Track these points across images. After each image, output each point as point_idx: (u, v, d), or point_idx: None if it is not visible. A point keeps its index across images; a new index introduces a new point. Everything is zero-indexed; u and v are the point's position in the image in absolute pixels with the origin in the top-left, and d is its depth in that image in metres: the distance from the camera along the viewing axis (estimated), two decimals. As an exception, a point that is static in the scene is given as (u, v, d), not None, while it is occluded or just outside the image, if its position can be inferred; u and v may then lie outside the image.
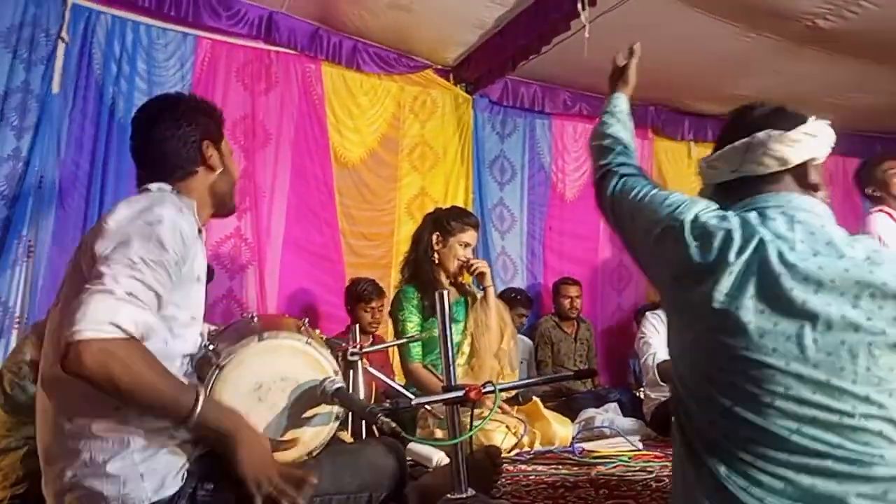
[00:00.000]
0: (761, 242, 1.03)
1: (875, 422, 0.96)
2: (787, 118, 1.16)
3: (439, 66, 4.03)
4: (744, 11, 3.44)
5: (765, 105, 1.21)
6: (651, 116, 4.65)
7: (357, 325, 3.30)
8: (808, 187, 1.15)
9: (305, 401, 1.27)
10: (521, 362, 3.93)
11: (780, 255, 1.02)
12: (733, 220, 1.08)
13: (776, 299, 1.00)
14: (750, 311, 1.00)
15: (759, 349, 0.99)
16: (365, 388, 2.15)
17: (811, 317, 0.98)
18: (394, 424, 1.22)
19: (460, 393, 1.36)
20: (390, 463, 1.34)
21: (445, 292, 1.45)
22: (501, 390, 1.38)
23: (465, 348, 2.52)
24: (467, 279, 2.66)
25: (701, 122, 4.81)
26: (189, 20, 3.26)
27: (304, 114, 3.62)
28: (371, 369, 2.19)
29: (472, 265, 2.54)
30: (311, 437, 1.27)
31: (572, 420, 2.68)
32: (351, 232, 3.72)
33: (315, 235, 3.63)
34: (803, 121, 1.16)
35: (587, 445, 2.31)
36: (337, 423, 1.34)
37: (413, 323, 2.53)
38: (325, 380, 1.29)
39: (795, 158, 1.13)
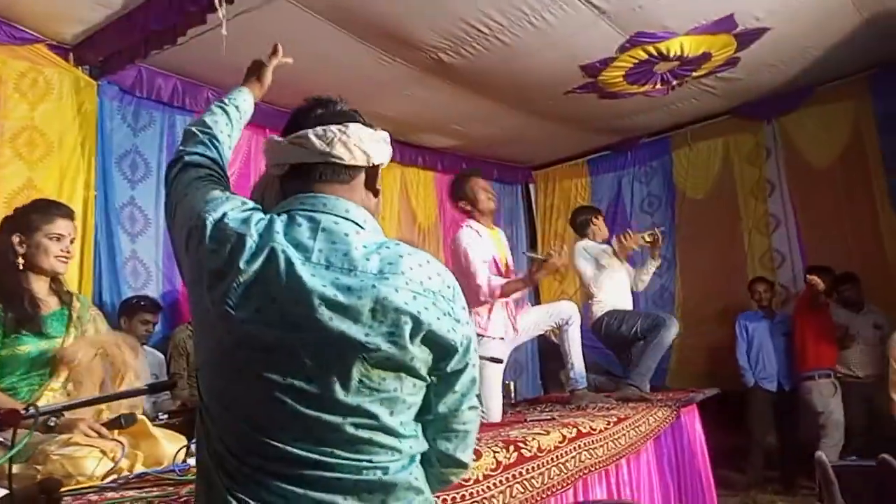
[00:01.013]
0: (273, 251, 1.01)
1: (366, 431, 1.00)
2: (366, 121, 1.21)
3: (55, 43, 3.49)
4: (378, 36, 3.70)
5: (345, 102, 1.23)
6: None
7: None
8: (373, 190, 1.20)
9: None
10: (152, 377, 3.61)
11: (290, 267, 1.00)
12: (254, 225, 1.04)
13: (279, 312, 0.99)
14: (255, 324, 0.99)
15: (262, 363, 0.99)
16: None
17: (311, 331, 0.98)
18: None
19: (-13, 419, 1.14)
20: None
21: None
22: (45, 413, 1.20)
23: (63, 372, 2.19)
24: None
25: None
26: None
27: None
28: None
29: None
30: None
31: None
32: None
33: None
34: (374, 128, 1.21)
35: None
36: None
37: None
38: None
39: (376, 158, 1.18)
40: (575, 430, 2.53)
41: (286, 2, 3.27)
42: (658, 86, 4.62)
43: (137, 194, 3.93)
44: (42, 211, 2.20)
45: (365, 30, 3.64)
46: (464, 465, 1.19)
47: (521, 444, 2.19)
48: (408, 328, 1.00)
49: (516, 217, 6.71)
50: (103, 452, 2.01)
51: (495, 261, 3.34)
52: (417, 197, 5.77)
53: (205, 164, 1.28)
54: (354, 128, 1.15)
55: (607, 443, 2.65)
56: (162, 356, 3.78)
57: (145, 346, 3.71)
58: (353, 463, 0.99)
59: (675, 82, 4.60)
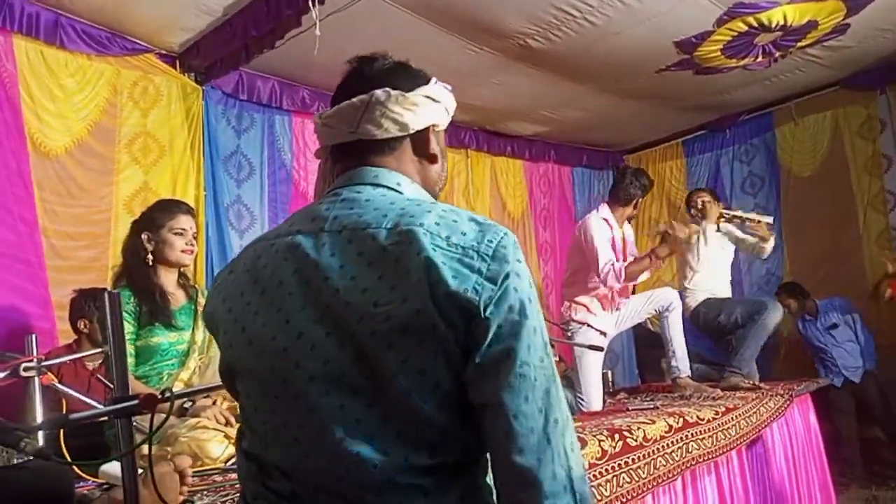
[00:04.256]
0: (245, 260, 0.99)
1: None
2: (408, 77, 1.03)
3: (163, 52, 3.71)
4: (465, 26, 3.70)
5: (387, 59, 1.05)
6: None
7: (89, 339, 2.96)
8: (427, 157, 1.04)
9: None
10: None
11: (295, 250, 0.93)
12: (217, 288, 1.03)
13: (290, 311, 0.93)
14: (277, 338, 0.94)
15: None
16: (46, 405, 1.88)
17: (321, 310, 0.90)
18: (39, 446, 1.07)
19: (130, 403, 1.23)
20: (41, 490, 1.18)
21: (117, 292, 1.30)
22: (179, 396, 1.28)
23: (192, 363, 2.33)
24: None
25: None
26: None
27: (-8, 93, 3.10)
28: (58, 385, 1.93)
29: None
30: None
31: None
32: (54, 231, 3.26)
33: (7, 234, 3.10)
34: (426, 82, 1.03)
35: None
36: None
37: (126, 331, 2.28)
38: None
39: (416, 124, 1.00)
40: (681, 419, 2.46)
41: (375, -2, 3.32)
42: (759, 58, 4.37)
43: (243, 192, 4.13)
44: (165, 209, 2.37)
45: (452, 20, 3.64)
46: None
47: (627, 434, 2.15)
48: (425, 289, 0.81)
49: (608, 203, 6.56)
50: (227, 438, 2.14)
51: (614, 247, 3.31)
52: (507, 185, 5.75)
53: None
54: (380, 96, 0.98)
55: (716, 434, 2.56)
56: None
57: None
58: None
59: (777, 54, 4.34)
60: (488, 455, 0.86)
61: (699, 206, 3.86)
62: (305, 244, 0.90)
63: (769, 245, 3.86)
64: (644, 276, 3.45)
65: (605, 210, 3.41)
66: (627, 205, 3.40)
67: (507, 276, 0.84)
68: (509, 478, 0.82)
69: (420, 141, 1.02)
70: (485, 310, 0.82)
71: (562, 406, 0.85)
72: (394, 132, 0.99)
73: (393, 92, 0.98)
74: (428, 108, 1.01)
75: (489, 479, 0.88)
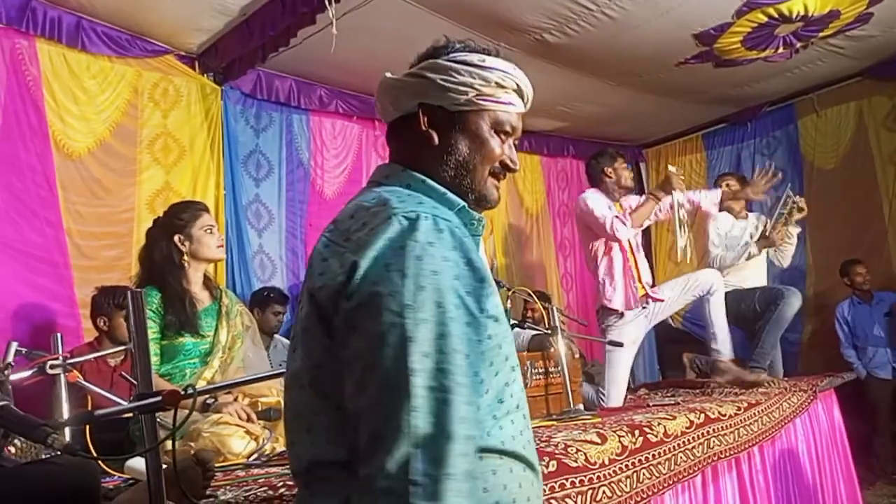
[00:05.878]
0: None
1: None
2: (437, 53, 1.09)
3: (182, 53, 3.75)
4: (481, 21, 3.69)
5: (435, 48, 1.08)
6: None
7: (108, 336, 3.01)
8: (422, 135, 1.04)
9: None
10: (281, 365, 3.82)
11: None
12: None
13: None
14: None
15: None
16: (72, 402, 1.92)
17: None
18: (66, 441, 1.09)
19: (154, 400, 1.25)
20: (69, 485, 1.20)
21: (142, 292, 1.32)
22: (201, 393, 1.30)
23: (216, 362, 2.36)
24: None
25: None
26: None
27: (15, 95, 3.13)
28: (83, 382, 1.97)
29: None
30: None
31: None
32: (78, 231, 3.31)
33: (32, 236, 3.17)
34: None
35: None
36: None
37: (151, 330, 2.31)
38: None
39: (405, 104, 1.06)
40: (702, 415, 2.43)
41: (389, -4, 3.32)
42: (780, 50, 4.31)
43: (262, 192, 4.17)
44: (188, 210, 2.40)
45: (468, 16, 3.64)
46: None
47: (647, 429, 2.14)
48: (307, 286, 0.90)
49: (627, 198, 6.52)
50: (249, 433, 2.16)
51: None
52: (525, 182, 5.73)
53: None
54: (383, 81, 1.04)
55: (738, 429, 2.53)
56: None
57: (276, 336, 3.94)
58: None
59: (798, 45, 4.27)
60: None
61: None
62: (316, 249, 0.93)
63: (786, 256, 3.95)
64: (649, 222, 3.41)
65: (594, 189, 3.45)
66: (601, 181, 3.44)
67: (356, 266, 0.77)
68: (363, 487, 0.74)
69: (412, 121, 1.02)
70: (338, 304, 0.79)
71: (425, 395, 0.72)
72: (388, 116, 1.06)
73: (396, 76, 1.06)
74: (415, 85, 1.02)
75: None
